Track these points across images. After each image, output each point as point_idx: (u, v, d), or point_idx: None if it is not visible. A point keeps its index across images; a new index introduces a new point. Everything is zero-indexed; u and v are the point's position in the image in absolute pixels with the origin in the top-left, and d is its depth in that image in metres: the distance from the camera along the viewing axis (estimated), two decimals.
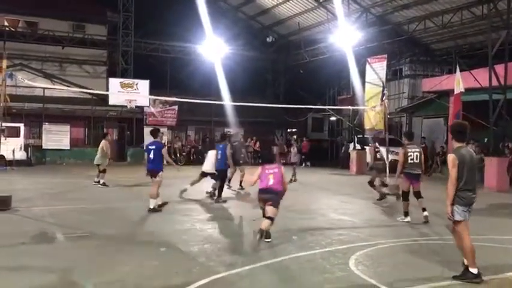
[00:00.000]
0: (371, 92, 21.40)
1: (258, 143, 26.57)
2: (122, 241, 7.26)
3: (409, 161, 9.04)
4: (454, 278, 5.40)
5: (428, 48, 26.51)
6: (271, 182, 7.39)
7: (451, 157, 5.44)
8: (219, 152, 11.83)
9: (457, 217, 5.41)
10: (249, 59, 30.88)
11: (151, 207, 9.69)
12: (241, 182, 14.54)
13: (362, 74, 22.59)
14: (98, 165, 14.27)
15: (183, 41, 28.06)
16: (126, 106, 24.71)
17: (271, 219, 7.15)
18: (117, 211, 10.12)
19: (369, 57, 22.17)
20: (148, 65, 27.58)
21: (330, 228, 8.70)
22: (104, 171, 14.16)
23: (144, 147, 12.00)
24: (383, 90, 19.83)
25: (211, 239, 7.44)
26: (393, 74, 27.33)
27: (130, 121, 25.97)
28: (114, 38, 27.30)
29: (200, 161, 25.35)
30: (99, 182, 14.11)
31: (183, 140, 27.39)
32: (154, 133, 10.33)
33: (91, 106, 25.12)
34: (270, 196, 7.31)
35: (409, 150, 9.16)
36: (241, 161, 14.84)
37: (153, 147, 9.85)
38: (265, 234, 6.92)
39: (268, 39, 30.57)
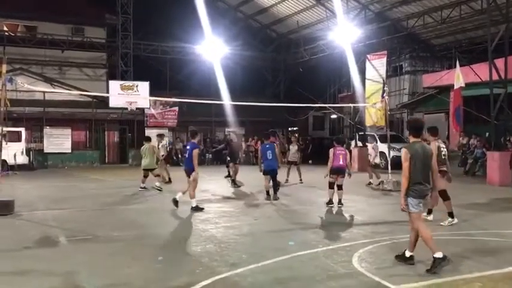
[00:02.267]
0: (371, 89, 21.37)
1: (259, 143, 26.53)
2: (125, 243, 7.27)
3: (442, 157, 8.36)
4: (428, 271, 5.47)
5: (428, 43, 26.48)
6: (341, 161, 10.35)
7: (403, 152, 5.74)
8: (269, 151, 11.66)
9: (412, 209, 5.64)
10: (249, 58, 30.87)
11: (193, 205, 10.01)
12: (234, 180, 14.60)
13: (362, 71, 22.55)
14: (151, 169, 13.65)
15: (182, 41, 28.07)
16: (126, 108, 24.73)
17: (342, 188, 10.47)
18: (120, 213, 10.13)
19: (368, 54, 22.14)
20: (148, 66, 27.59)
21: (332, 225, 8.71)
22: (158, 175, 13.76)
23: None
24: (383, 87, 19.81)
25: (213, 239, 7.45)
26: (393, 71, 27.31)
27: (132, 123, 26.00)
28: (113, 40, 27.30)
29: (202, 161, 25.69)
30: (159, 187, 13.45)
31: (184, 141, 27.40)
32: (192, 134, 11.10)
33: (92, 109, 25.15)
34: (342, 172, 10.42)
35: (441, 145, 8.49)
36: (239, 160, 14.98)
37: (188, 147, 10.53)
38: (341, 201, 10.38)
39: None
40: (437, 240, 7.19)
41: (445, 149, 8.67)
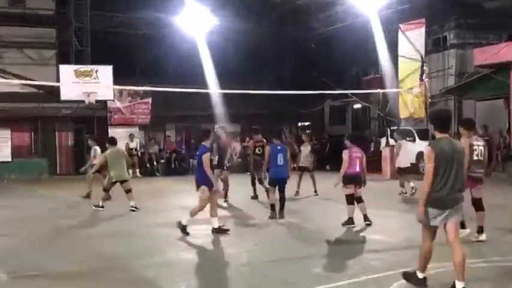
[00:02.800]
0: (406, 69, 21.45)
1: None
2: (85, 280, 7.28)
3: (474, 158, 8.51)
4: (404, 275, 6.40)
5: (480, 7, 26.48)
6: (357, 168, 10.64)
7: (426, 151, 6.07)
8: (280, 155, 11.58)
9: (425, 222, 6.06)
10: (243, 32, 30.80)
11: (183, 223, 9.99)
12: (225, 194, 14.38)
13: (393, 46, 22.58)
14: (122, 182, 13.36)
15: (156, 11, 28.04)
16: (83, 101, 24.69)
17: (362, 200, 10.71)
18: (76, 239, 10.13)
19: (401, 23, 22.18)
20: (111, 45, 27.52)
21: (358, 251, 8.73)
22: (130, 189, 13.44)
23: None
24: (422, 66, 19.89)
25: (202, 272, 7.45)
26: (435, 44, 27.31)
27: (91, 121, 25.98)
28: (63, 11, 27.32)
29: (185, 170, 25.60)
30: (135, 206, 13.19)
31: (160, 143, 27.43)
32: (203, 135, 11.03)
33: (38, 103, 25.16)
34: (359, 180, 10.68)
35: (474, 143, 8.64)
36: (228, 164, 14.66)
37: (198, 152, 10.44)
38: (367, 217, 10.57)
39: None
40: (492, 268, 7.23)
41: (481, 147, 8.73)
